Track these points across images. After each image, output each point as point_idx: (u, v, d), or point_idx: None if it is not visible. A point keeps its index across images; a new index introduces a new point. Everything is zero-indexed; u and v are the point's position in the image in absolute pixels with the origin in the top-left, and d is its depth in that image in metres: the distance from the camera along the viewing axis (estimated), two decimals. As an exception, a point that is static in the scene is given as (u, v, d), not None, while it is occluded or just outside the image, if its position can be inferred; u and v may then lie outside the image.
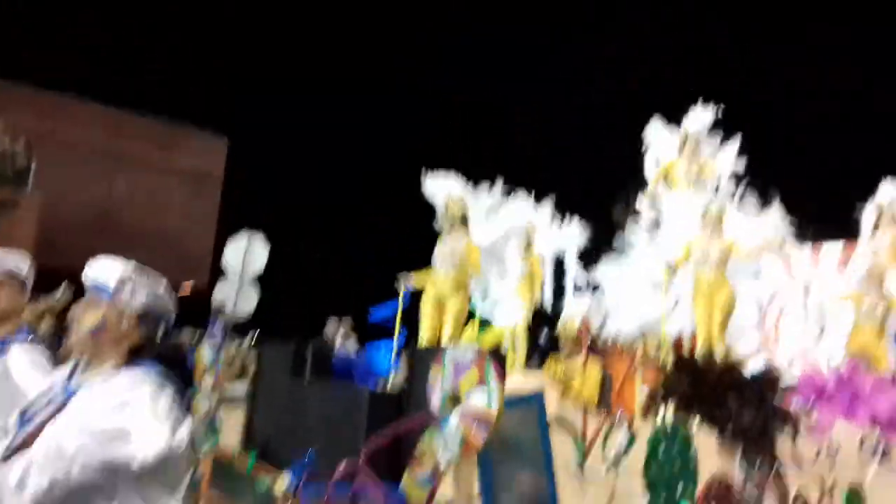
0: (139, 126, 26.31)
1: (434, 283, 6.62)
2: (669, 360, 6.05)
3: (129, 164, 25.81)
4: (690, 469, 5.49)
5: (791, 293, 8.62)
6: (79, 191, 24.49)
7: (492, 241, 6.75)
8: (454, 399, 4.30)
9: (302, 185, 30.13)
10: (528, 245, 7.62)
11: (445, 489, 4.23)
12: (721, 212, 6.79)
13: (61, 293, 9.61)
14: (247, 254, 14.68)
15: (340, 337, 14.09)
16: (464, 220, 6.58)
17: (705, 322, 6.64)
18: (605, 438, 4.92)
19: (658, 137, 8.26)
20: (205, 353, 5.68)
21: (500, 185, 7.00)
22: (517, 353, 7.23)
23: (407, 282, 6.76)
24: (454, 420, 4.25)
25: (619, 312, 7.58)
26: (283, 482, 4.85)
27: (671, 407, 6.01)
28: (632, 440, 4.95)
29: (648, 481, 5.14)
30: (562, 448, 4.80)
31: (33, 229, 22.02)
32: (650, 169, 8.25)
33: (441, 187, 6.71)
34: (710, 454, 5.75)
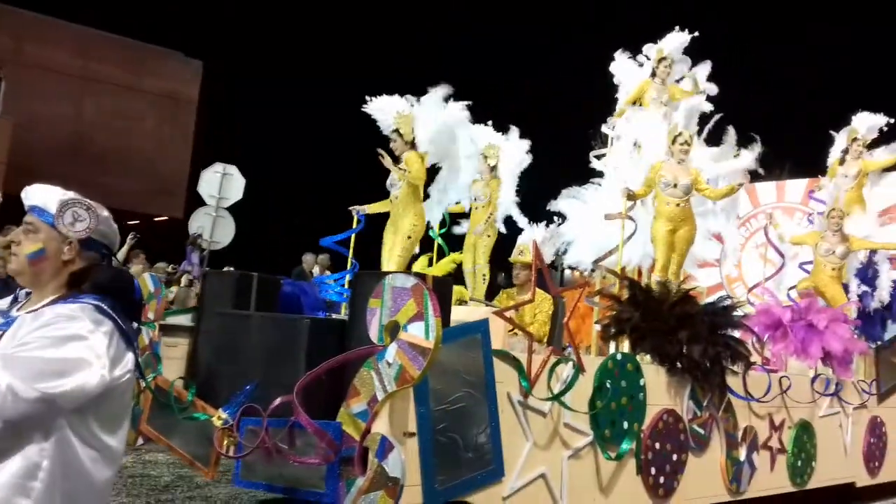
0: (111, 47, 25.47)
1: (390, 208, 6.26)
2: (624, 291, 5.87)
3: (101, 86, 25.06)
4: (638, 403, 5.38)
5: (754, 227, 8.49)
6: (50, 114, 23.79)
7: (434, 141, 6.26)
8: (392, 330, 4.11)
9: (282, 116, 29.59)
10: (493, 168, 7.29)
11: (380, 424, 4.06)
12: (691, 137, 6.46)
13: None
14: (223, 183, 14.41)
15: (317, 271, 13.84)
16: (414, 142, 6.23)
17: (664, 254, 6.40)
18: (551, 372, 4.76)
19: (624, 68, 7.85)
20: (147, 282, 5.43)
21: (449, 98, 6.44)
22: (474, 283, 7.02)
23: (360, 211, 6.46)
24: (391, 352, 4.07)
25: (579, 242, 7.38)
26: (220, 417, 4.68)
27: (623, 340, 5.88)
28: (576, 373, 4.78)
29: (593, 416, 5.02)
30: (507, 380, 4.64)
31: (5, 155, 21.49)
32: (620, 97, 7.86)
33: (387, 107, 6.31)
34: (660, 388, 5.64)
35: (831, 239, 7.73)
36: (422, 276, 4.66)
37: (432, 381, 4.25)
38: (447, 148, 6.40)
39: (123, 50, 25.69)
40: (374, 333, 4.22)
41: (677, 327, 5.55)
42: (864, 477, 7.46)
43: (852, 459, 7.32)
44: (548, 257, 6.19)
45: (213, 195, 14.48)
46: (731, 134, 6.88)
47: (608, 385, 5.12)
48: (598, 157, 7.68)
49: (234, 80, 28.80)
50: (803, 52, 27.76)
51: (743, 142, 7.01)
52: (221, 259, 16.11)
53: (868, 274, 7.77)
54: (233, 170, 14.74)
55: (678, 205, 6.39)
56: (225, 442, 4.70)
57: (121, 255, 11.12)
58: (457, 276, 7.13)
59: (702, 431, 5.77)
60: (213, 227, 14.49)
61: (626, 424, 5.22)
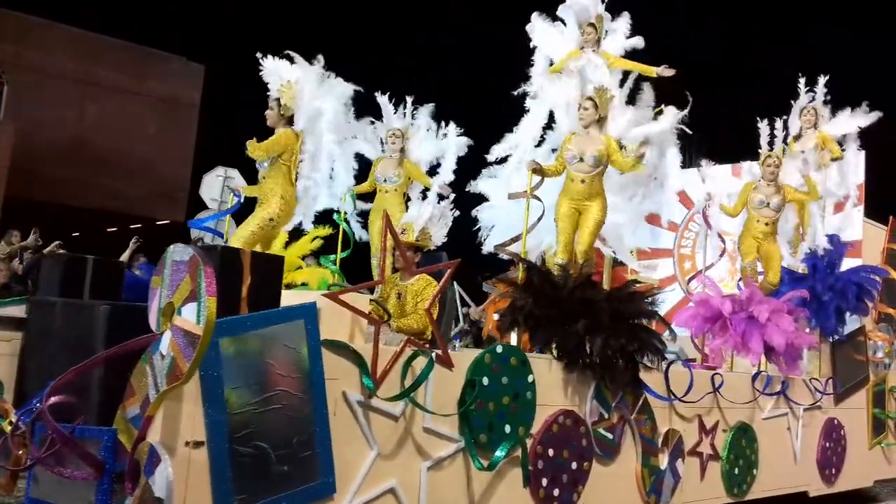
0: (113, 50, 24.77)
1: (260, 189, 5.36)
2: (521, 277, 4.90)
3: (102, 89, 24.36)
4: (526, 403, 4.41)
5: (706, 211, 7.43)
6: (52, 118, 23.11)
7: (309, 123, 5.31)
8: (170, 313, 3.19)
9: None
10: (402, 150, 6.45)
11: (155, 431, 3.14)
12: (603, 98, 5.40)
13: (32, 237, 9.78)
14: (225, 187, 13.69)
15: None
16: (292, 119, 5.33)
17: (567, 234, 5.38)
18: (406, 367, 3.81)
19: (544, 34, 6.78)
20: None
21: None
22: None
23: (237, 191, 5.53)
24: (165, 341, 3.15)
25: (500, 226, 6.44)
26: (10, 422, 3.78)
27: (519, 330, 4.90)
28: (429, 367, 3.83)
29: (463, 418, 4.06)
30: (344, 377, 3.70)
31: (8, 159, 20.86)
32: (540, 67, 6.82)
33: (279, 71, 5.38)
34: (556, 386, 4.68)
35: (766, 189, 6.57)
36: (233, 251, 3.73)
37: (232, 377, 3.31)
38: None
39: (125, 54, 25.04)
40: (153, 318, 3.30)
41: (576, 316, 4.56)
42: (818, 485, 6.42)
43: (804, 466, 6.29)
44: (439, 238, 5.23)
45: (214, 199, 13.86)
46: (647, 91, 5.83)
47: (484, 382, 4.15)
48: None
49: (235, 84, 28.02)
50: (803, 52, 26.61)
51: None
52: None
53: (824, 262, 6.69)
54: (234, 173, 14.11)
55: (583, 181, 5.41)
56: (21, 451, 3.83)
57: (123, 258, 10.51)
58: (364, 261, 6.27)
59: (610, 436, 4.79)
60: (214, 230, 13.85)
61: (507, 428, 4.25)
